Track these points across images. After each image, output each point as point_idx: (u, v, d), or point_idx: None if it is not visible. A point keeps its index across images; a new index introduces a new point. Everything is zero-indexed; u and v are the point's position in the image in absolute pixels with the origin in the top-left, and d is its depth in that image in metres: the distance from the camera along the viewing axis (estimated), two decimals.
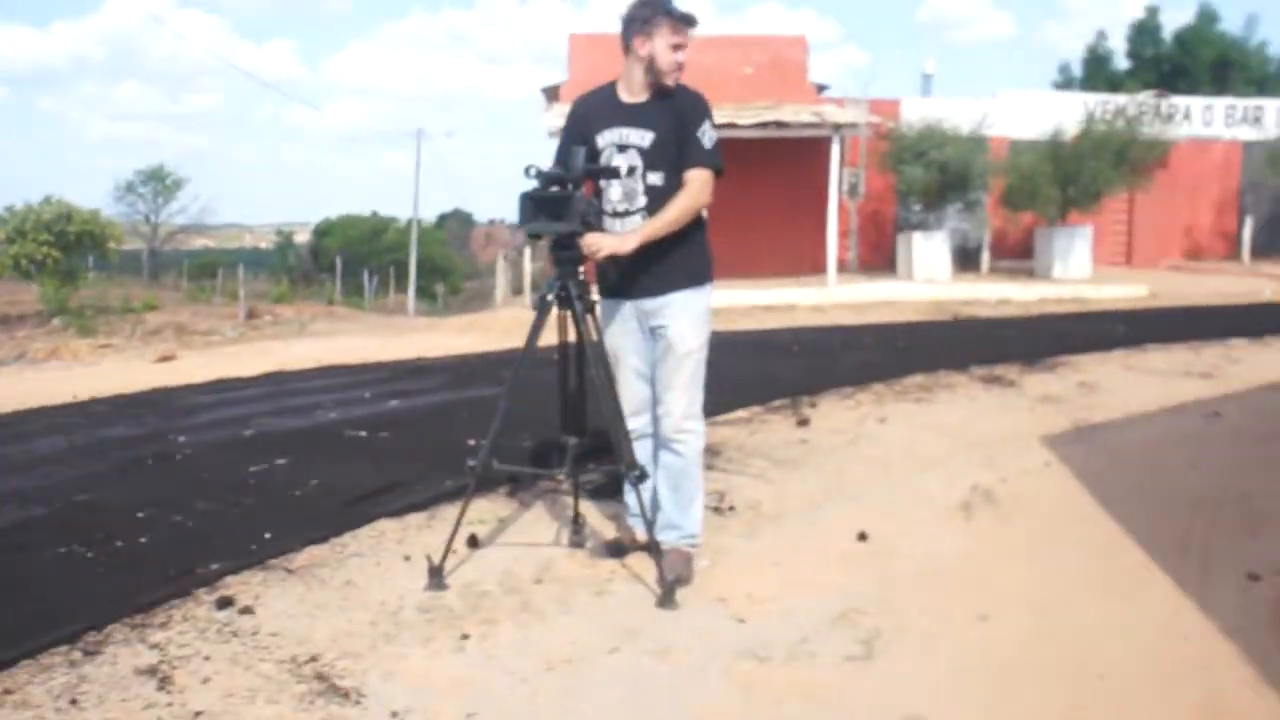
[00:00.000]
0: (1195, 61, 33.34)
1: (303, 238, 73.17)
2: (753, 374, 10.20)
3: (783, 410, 8.30)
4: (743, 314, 17.04)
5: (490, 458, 4.53)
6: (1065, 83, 35.51)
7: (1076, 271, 20.92)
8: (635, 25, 4.44)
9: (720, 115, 17.15)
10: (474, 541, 5.05)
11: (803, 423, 7.73)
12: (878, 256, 22.32)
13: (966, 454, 6.85)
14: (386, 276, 48.70)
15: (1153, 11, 35.91)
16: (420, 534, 5.27)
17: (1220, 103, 25.43)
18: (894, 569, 4.75)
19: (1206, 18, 34.70)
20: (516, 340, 12.59)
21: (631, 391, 4.69)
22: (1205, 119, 24.74)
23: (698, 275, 4.69)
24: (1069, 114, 21.98)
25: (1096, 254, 22.11)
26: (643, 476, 4.44)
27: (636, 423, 4.69)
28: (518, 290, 23.89)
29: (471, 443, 7.02)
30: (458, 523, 4.60)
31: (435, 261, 58.34)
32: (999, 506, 5.69)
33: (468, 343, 14.21)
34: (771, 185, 21.13)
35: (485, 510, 5.58)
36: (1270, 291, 19.68)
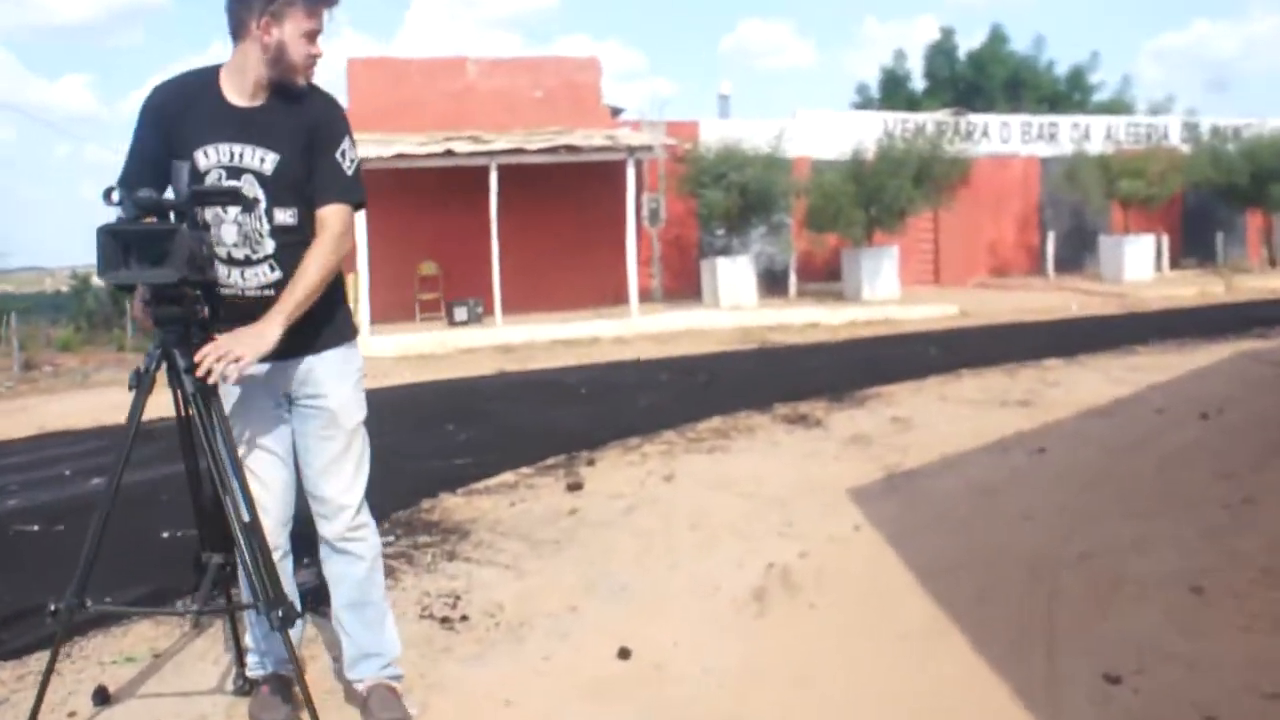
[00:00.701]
0: (989, 80, 33.67)
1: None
2: (530, 425, 9.03)
3: (556, 471, 7.10)
4: (541, 350, 15.93)
5: (81, 595, 3.18)
6: (864, 104, 35.51)
7: (885, 292, 20.38)
8: (258, 3, 3.13)
9: (510, 140, 15.99)
10: (103, 696, 3.69)
11: (575, 487, 6.54)
12: (683, 284, 21.42)
13: (764, 518, 5.77)
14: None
15: (948, 33, 36.33)
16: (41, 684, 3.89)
17: (1016, 120, 25.41)
18: (662, 700, 3.59)
19: (998, 38, 35.16)
20: None
21: (274, 493, 3.42)
22: (1003, 136, 24.63)
23: (345, 329, 3.46)
24: (869, 133, 21.52)
25: (904, 274, 21.66)
26: (289, 618, 3.14)
27: (283, 536, 3.45)
28: None
29: (166, 535, 5.70)
30: (43, 683, 3.26)
31: None
32: (798, 592, 4.59)
33: None
34: (567, 213, 20.08)
35: (139, 640, 4.24)
36: (1076, 306, 19.47)
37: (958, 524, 5.60)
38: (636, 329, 17.82)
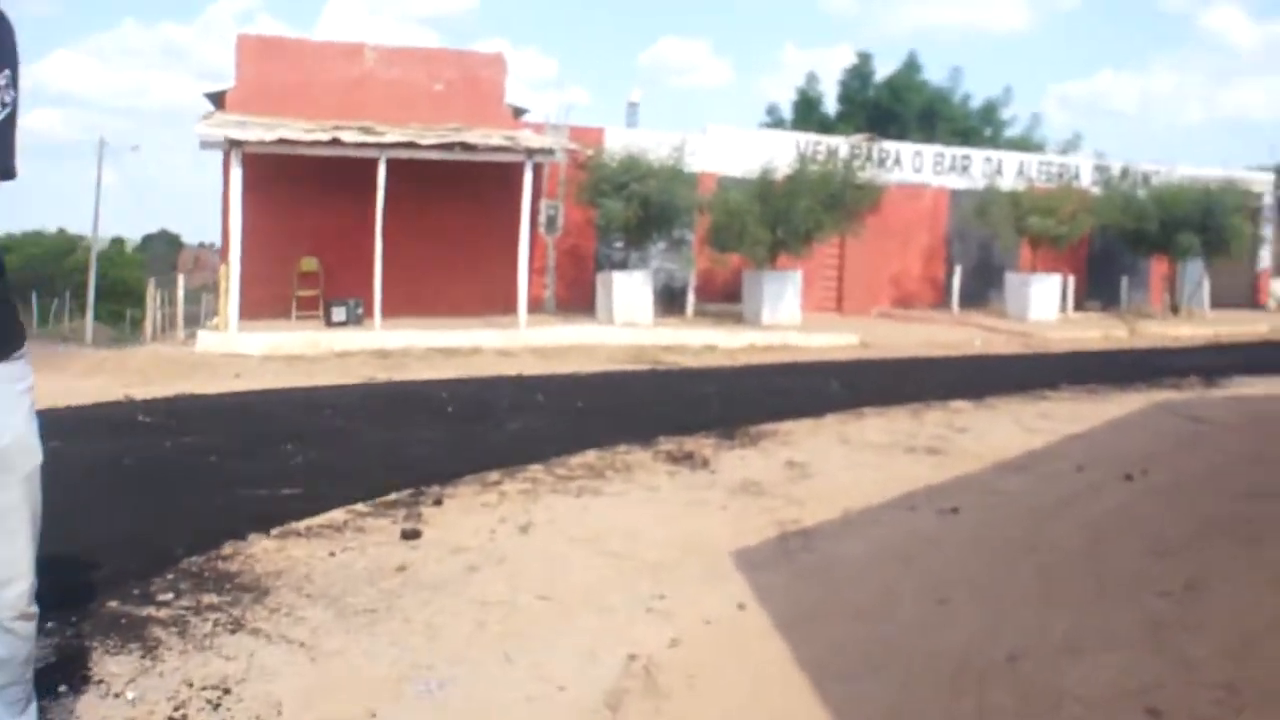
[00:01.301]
0: (905, 108, 33.27)
1: None
2: (381, 448, 7.98)
3: (396, 510, 6.04)
4: (417, 359, 14.88)
5: None
6: (775, 124, 34.89)
7: (786, 318, 19.61)
8: None
9: (403, 133, 14.89)
10: None
11: (411, 535, 5.47)
12: (578, 296, 20.42)
13: (632, 586, 4.80)
14: (79, 299, 43.60)
15: (865, 58, 35.91)
16: None
17: (929, 150, 24.87)
18: None
19: (913, 67, 34.83)
20: (155, 385, 9.88)
21: None
22: (915, 165, 24.07)
23: (10, 337, 2.45)
24: (780, 153, 20.77)
25: (807, 300, 20.93)
26: None
27: None
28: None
29: None
30: None
31: (129, 285, 53.19)
32: (664, 700, 3.63)
33: (92, 387, 11.44)
34: (459, 214, 19.01)
35: None
36: (980, 342, 18.89)
37: (862, 607, 4.68)
38: (523, 341, 16.80)
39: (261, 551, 5.16)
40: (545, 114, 21.19)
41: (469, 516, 5.94)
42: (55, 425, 8.47)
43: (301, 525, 5.61)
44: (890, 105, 33.76)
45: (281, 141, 16.31)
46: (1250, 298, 28.37)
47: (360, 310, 17.45)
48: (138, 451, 7.65)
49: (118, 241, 70.50)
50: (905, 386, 12.36)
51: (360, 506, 6.07)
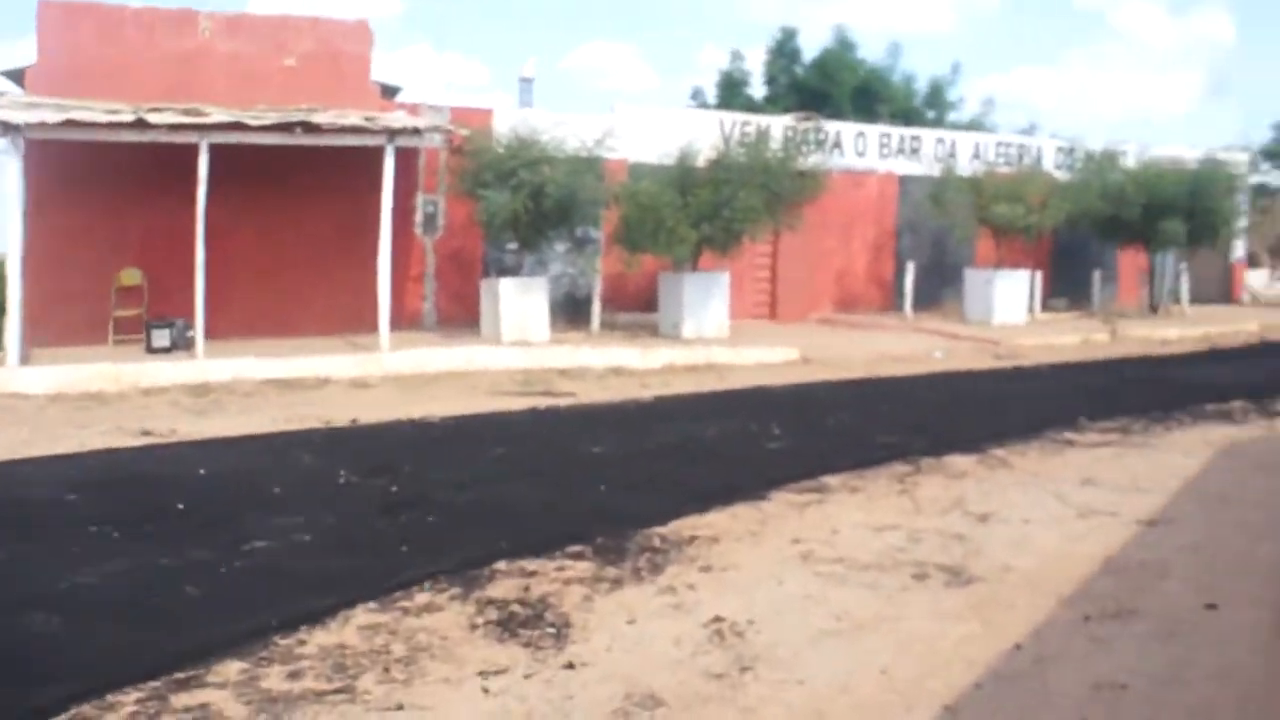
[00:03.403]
0: (837, 88, 29.90)
1: None
2: None
3: None
4: (243, 396, 11.56)
5: None
6: (699, 109, 31.44)
7: (712, 329, 16.26)
8: None
9: (228, 113, 8.98)
10: None
11: None
12: (464, 309, 16.90)
13: None
14: None
15: (789, 34, 32.41)
16: None
17: (873, 130, 21.53)
18: None
19: (845, 44, 31.51)
20: None
21: None
22: (858, 148, 20.75)
23: None
24: (703, 135, 17.41)
25: (736, 306, 17.56)
26: None
27: None
28: None
29: None
30: None
31: None
32: None
33: None
34: (313, 214, 15.51)
35: None
36: (941, 354, 15.70)
37: None
38: (385, 368, 13.31)
39: None
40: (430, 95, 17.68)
41: None
42: None
43: None
44: (821, 85, 30.39)
45: (70, 124, 12.64)
46: (1225, 292, 25.51)
47: (190, 332, 13.83)
48: None
49: None
50: (872, 429, 9.13)
51: None
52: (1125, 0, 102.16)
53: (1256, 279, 26.44)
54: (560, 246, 16.92)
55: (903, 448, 8.23)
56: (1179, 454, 8.22)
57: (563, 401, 11.10)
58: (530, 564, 5.13)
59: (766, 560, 5.30)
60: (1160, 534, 5.91)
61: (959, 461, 7.81)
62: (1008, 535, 5.81)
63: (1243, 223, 23.42)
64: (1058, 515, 6.27)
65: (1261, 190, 28.86)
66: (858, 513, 6.27)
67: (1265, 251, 29.04)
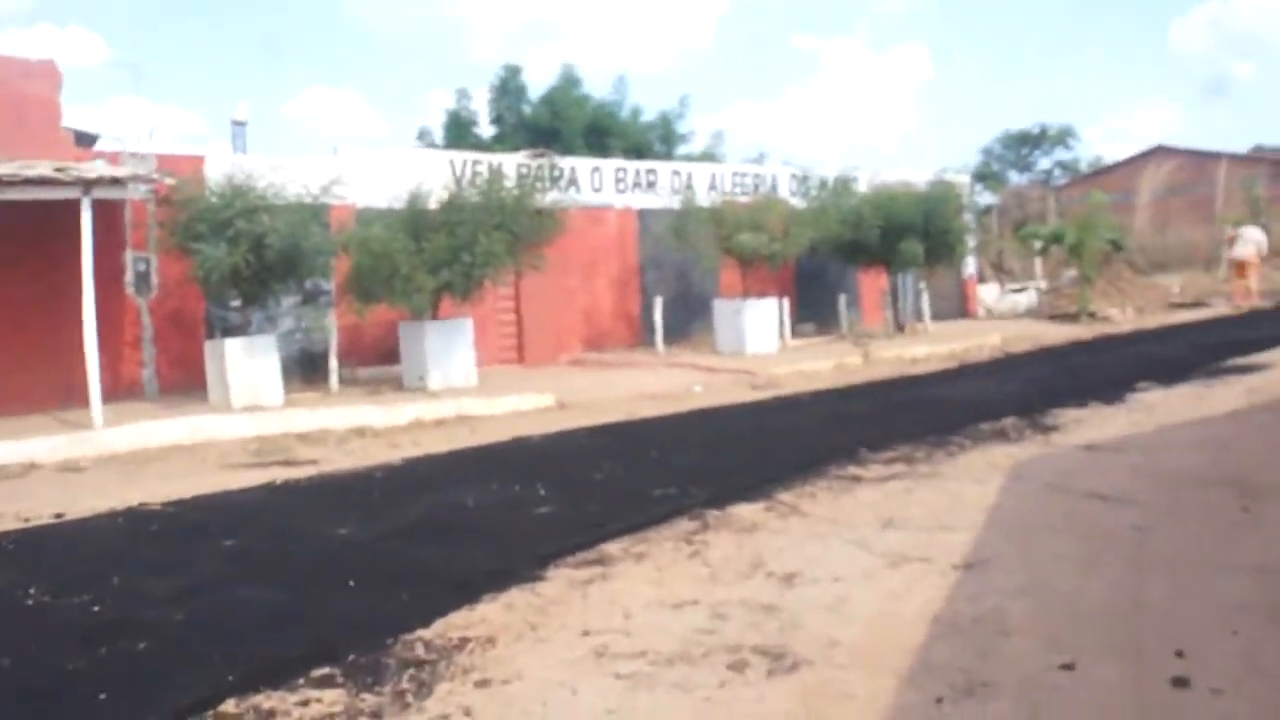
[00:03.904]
0: (567, 125, 29.43)
1: None
2: None
3: None
4: None
5: None
6: (427, 149, 30.34)
7: (459, 378, 15.31)
8: None
9: None
10: None
11: None
12: (187, 375, 15.37)
13: None
14: None
15: (514, 71, 31.73)
16: None
17: (609, 165, 21.03)
18: None
19: (571, 80, 31.06)
20: None
21: None
22: (594, 183, 20.21)
23: None
24: (434, 175, 16.46)
25: (483, 352, 16.69)
26: None
27: None
28: None
29: None
30: None
31: None
32: None
33: None
34: (1, 275, 13.84)
35: None
36: (701, 388, 15.21)
37: None
38: (100, 446, 11.83)
39: None
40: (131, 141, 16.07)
41: None
42: None
43: None
44: (551, 123, 29.82)
45: None
46: (960, 308, 26.18)
47: None
48: None
49: None
50: (646, 480, 8.40)
51: None
52: (835, 39, 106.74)
53: (989, 294, 27.23)
54: (289, 300, 15.66)
55: (682, 500, 7.53)
56: (970, 482, 7.81)
57: (303, 472, 9.97)
58: (266, 699, 4.12)
59: (554, 663, 4.43)
60: (982, 579, 5.35)
61: (746, 512, 7.14)
62: (821, 599, 5.13)
63: (973, 241, 24.06)
64: (868, 568, 5.65)
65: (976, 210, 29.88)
66: (649, 588, 5.47)
67: (990, 267, 30.01)
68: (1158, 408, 11.08)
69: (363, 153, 17.90)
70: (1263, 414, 10.48)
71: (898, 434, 9.93)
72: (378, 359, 16.70)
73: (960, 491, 7.49)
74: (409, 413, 13.31)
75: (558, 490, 8.19)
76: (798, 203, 21.03)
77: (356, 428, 12.68)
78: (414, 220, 15.29)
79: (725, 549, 6.22)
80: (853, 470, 8.43)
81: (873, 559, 5.83)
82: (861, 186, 21.51)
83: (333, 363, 15.24)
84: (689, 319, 20.50)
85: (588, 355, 19.37)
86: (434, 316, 15.50)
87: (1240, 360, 14.60)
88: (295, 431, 12.44)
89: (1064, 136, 68.84)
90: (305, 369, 15.63)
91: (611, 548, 6.32)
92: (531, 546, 6.42)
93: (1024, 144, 68.63)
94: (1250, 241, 26.76)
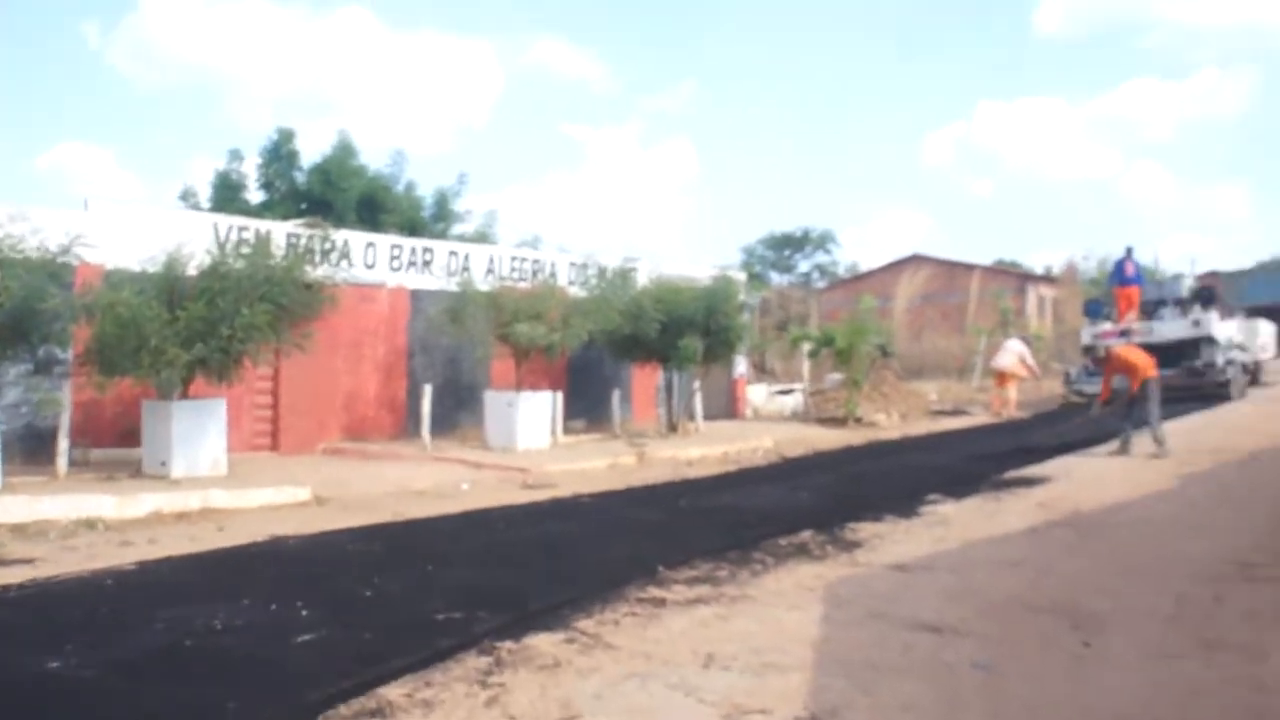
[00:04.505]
0: (341, 196, 28.32)
1: None
2: None
3: None
4: None
5: None
6: (190, 210, 28.60)
7: (206, 466, 14.00)
8: None
9: None
10: None
11: None
12: None
13: None
14: None
15: (286, 135, 30.39)
16: None
17: (384, 240, 19.99)
18: None
19: (346, 149, 29.94)
20: None
21: None
22: (368, 259, 19.17)
23: None
24: (195, 238, 15.19)
25: (234, 437, 15.40)
26: None
27: None
28: None
29: None
30: None
31: None
32: None
33: None
34: None
35: None
36: (468, 485, 14.34)
37: None
38: None
39: None
40: None
41: None
42: None
43: None
44: (323, 193, 28.61)
45: None
46: (730, 407, 26.06)
47: None
48: None
49: None
50: (423, 600, 7.50)
51: None
52: (603, 130, 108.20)
53: (757, 394, 27.23)
54: (17, 369, 14.03)
55: (470, 627, 6.65)
56: (785, 607, 7.20)
57: (14, 575, 8.58)
58: None
59: None
60: None
61: (545, 644, 6.31)
62: None
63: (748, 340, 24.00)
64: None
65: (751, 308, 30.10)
66: None
67: (753, 368, 30.17)
68: (954, 522, 10.82)
69: (117, 209, 16.47)
70: (1061, 530, 10.31)
71: (694, 548, 9.30)
72: (115, 440, 15.21)
73: (778, 620, 6.87)
74: (148, 503, 11.96)
75: (323, 610, 7.17)
76: (576, 291, 20.49)
77: (85, 519, 11.27)
78: (169, 286, 14.03)
79: (528, 694, 5.39)
80: (655, 592, 7.71)
81: (704, 709, 5.12)
82: (641, 278, 21.12)
83: (62, 443, 13.74)
84: (457, 409, 19.62)
85: (347, 445, 18.21)
86: (184, 395, 14.16)
87: (1018, 473, 14.64)
88: (9, 523, 10.97)
89: (824, 240, 71.46)
90: (30, 448, 14.12)
91: (392, 693, 5.39)
92: (296, 690, 5.44)
93: (786, 245, 70.78)
94: (1012, 352, 27.59)
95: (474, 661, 5.99)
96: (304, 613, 7.11)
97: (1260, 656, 6.23)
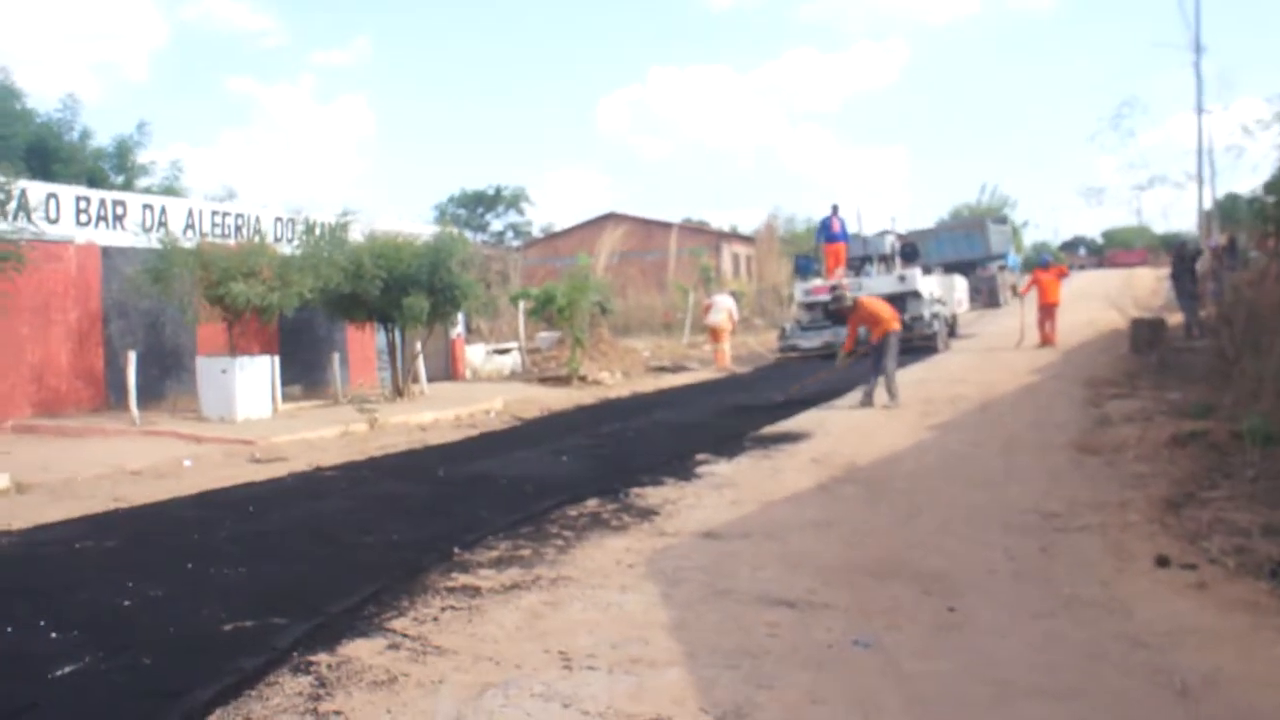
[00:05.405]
0: (6, 144, 25.33)
1: None
2: None
3: None
4: None
5: None
6: None
7: None
8: None
9: None
10: None
11: None
12: None
13: None
14: None
15: None
16: None
17: (69, 192, 17.78)
18: None
19: (11, 93, 26.80)
20: None
21: None
22: (50, 212, 17.01)
23: None
24: None
25: None
26: None
27: None
28: None
29: None
30: None
31: None
32: None
33: None
34: None
35: None
36: (190, 462, 12.94)
37: None
38: None
39: None
40: None
41: None
42: None
43: None
44: None
45: None
46: (449, 369, 25.02)
47: None
48: None
49: None
50: (193, 600, 6.39)
51: None
52: (275, 86, 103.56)
53: (475, 354, 26.27)
54: None
55: (268, 638, 5.62)
56: (615, 589, 6.50)
57: None
58: None
59: None
60: None
61: (367, 653, 5.37)
62: None
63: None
64: None
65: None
66: None
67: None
68: (740, 483, 10.34)
69: None
70: (850, 487, 10.00)
71: (481, 525, 8.47)
72: None
73: (618, 605, 6.16)
74: None
75: (76, 632, 5.92)
76: (285, 248, 18.96)
77: None
78: None
79: (364, 714, 4.46)
80: (461, 579, 6.84)
81: None
82: (355, 235, 19.76)
83: None
84: (163, 378, 17.90)
85: (42, 420, 16.21)
86: None
87: (775, 428, 14.39)
88: None
89: (517, 199, 70.71)
90: None
91: None
92: None
93: (479, 204, 69.63)
94: (722, 308, 27.78)
95: (293, 683, 5.00)
96: (52, 635, 5.86)
97: (1124, 613, 5.99)
